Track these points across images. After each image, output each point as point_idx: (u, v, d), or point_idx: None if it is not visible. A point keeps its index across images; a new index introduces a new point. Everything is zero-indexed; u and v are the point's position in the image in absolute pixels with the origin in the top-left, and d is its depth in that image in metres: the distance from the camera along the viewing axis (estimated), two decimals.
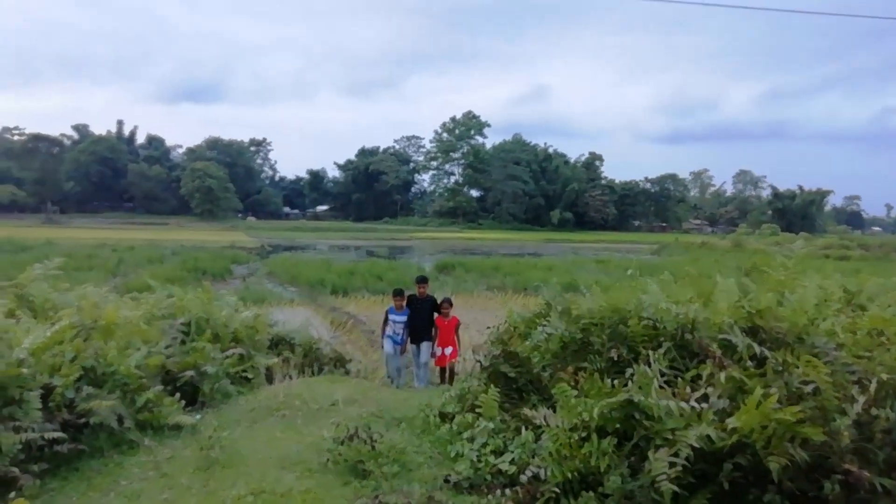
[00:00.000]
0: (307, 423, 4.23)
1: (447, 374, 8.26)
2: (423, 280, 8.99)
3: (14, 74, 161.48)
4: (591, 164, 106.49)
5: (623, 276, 23.80)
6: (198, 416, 4.54)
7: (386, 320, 8.59)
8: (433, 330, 8.41)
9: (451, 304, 8.65)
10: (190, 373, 4.96)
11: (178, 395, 4.62)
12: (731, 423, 2.45)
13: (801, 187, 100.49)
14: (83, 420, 3.94)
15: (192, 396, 4.86)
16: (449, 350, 8.31)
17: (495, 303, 16.88)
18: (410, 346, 8.42)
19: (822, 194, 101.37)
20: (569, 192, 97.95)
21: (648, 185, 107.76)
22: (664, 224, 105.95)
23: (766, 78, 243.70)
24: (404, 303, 8.49)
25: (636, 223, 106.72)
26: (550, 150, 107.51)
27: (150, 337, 5.13)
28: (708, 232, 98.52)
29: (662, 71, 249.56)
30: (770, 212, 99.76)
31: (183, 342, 5.48)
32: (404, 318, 8.37)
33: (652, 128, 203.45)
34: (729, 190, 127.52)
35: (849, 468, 2.30)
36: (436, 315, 8.52)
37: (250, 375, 5.62)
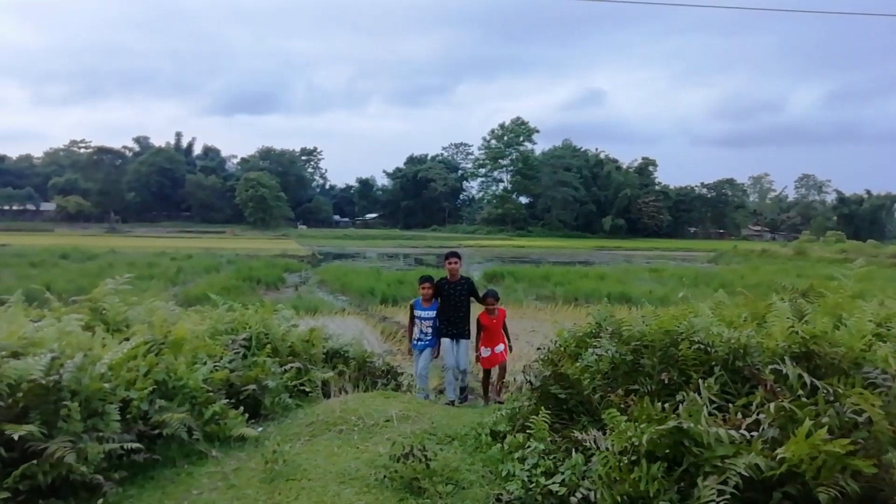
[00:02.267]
0: (363, 438, 4.40)
1: (499, 374, 6.97)
2: (454, 256, 6.98)
3: (84, 91, 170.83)
4: (645, 169, 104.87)
5: (677, 285, 23.38)
6: (260, 429, 4.78)
7: (412, 319, 7.03)
8: (475, 325, 6.88)
9: (497, 299, 7.01)
10: (252, 386, 5.20)
11: (241, 408, 4.86)
12: (781, 452, 2.48)
13: (868, 191, 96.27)
14: (156, 431, 4.21)
15: (254, 409, 5.10)
16: (500, 348, 6.90)
17: (545, 313, 16.87)
18: (445, 342, 6.80)
19: (893, 198, 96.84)
20: (621, 199, 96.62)
21: (705, 191, 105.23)
22: (722, 231, 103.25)
23: (832, 78, 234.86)
24: (433, 292, 6.86)
25: (692, 230, 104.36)
26: (602, 156, 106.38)
27: (215, 351, 5.41)
28: (768, 239, 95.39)
29: (720, 73, 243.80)
30: (835, 217, 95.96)
31: (244, 356, 5.74)
32: (434, 313, 6.84)
33: (709, 131, 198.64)
34: (791, 195, 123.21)
35: None
36: (479, 311, 7.03)
37: (308, 389, 5.84)
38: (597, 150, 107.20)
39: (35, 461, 3.40)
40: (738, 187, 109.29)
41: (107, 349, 4.52)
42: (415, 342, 7.00)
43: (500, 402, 6.15)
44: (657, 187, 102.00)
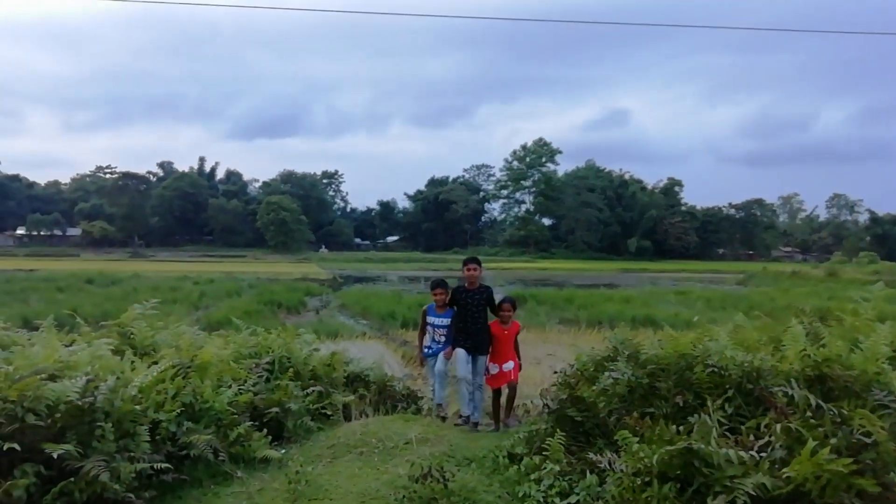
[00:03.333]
0: (383, 460, 4.50)
1: (508, 396, 6.26)
2: (473, 262, 6.37)
3: (110, 117, 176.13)
4: (670, 189, 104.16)
5: (705, 308, 23.05)
6: (283, 451, 4.90)
7: (423, 327, 6.53)
8: (489, 335, 6.25)
9: (514, 307, 6.41)
10: (275, 409, 5.34)
11: (265, 430, 5.00)
12: (787, 472, 2.53)
13: None
14: (184, 452, 4.35)
15: (277, 432, 5.23)
16: (510, 365, 6.22)
17: (568, 337, 16.80)
18: (458, 355, 6.16)
19: None
20: (646, 220, 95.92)
21: (733, 211, 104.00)
22: (751, 252, 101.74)
23: (861, 96, 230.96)
24: (448, 297, 6.31)
25: (720, 251, 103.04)
26: (626, 176, 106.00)
27: (239, 375, 5.57)
28: (799, 260, 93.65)
29: (747, 91, 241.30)
30: (868, 238, 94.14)
31: (268, 380, 5.89)
32: (448, 321, 6.24)
33: (736, 150, 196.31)
34: (822, 215, 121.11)
35: None
36: (492, 319, 6.39)
37: (329, 412, 5.97)
38: (621, 170, 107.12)
39: (72, 479, 3.56)
40: (768, 207, 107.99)
41: (136, 372, 4.71)
42: (426, 349, 6.44)
43: (509, 427, 5.91)
44: (683, 208, 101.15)
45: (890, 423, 2.75)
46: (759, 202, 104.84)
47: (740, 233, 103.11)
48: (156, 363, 5.00)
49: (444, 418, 6.21)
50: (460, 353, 6.15)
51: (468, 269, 6.30)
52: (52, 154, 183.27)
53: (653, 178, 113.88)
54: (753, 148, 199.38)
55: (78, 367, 4.49)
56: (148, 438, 4.13)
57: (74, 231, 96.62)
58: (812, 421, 2.85)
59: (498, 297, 6.51)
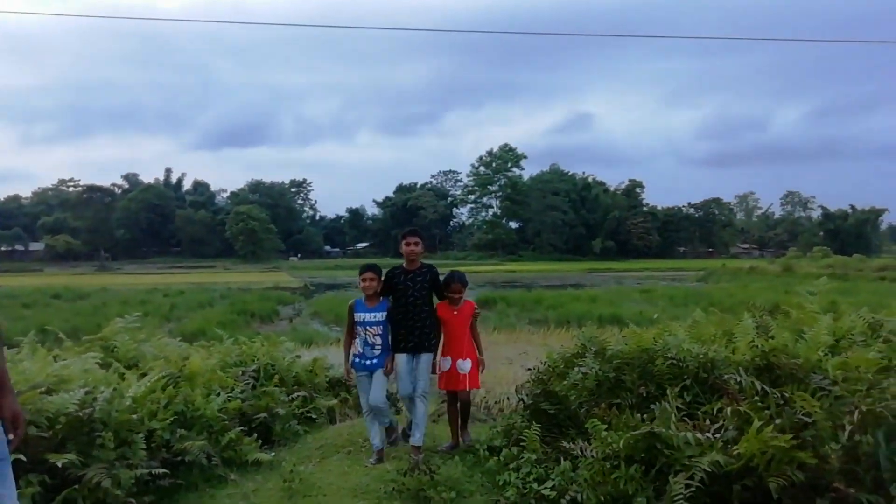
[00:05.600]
0: (371, 458, 4.76)
1: (460, 408, 5.07)
2: (412, 235, 5.02)
3: (71, 129, 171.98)
4: (632, 191, 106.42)
5: (668, 305, 23.65)
6: (273, 454, 5.12)
7: (350, 327, 5.04)
8: (436, 328, 4.97)
9: (463, 284, 5.03)
10: (263, 415, 5.56)
11: (254, 434, 5.22)
12: (736, 449, 2.89)
13: (853, 207, 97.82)
14: (179, 458, 4.54)
15: (265, 436, 5.44)
16: (466, 366, 4.93)
17: (538, 337, 17.18)
18: (400, 360, 4.89)
19: (877, 213, 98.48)
20: (610, 221, 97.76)
21: (692, 211, 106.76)
22: (710, 249, 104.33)
23: (814, 96, 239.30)
24: (380, 285, 4.92)
25: (681, 249, 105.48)
26: (589, 179, 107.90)
27: (227, 383, 5.76)
28: (756, 256, 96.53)
29: (706, 94, 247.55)
30: (821, 233, 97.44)
31: (254, 387, 6.09)
32: (383, 315, 4.89)
33: (695, 152, 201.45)
34: (777, 212, 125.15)
35: (837, 486, 2.70)
36: (438, 302, 5.05)
37: (314, 416, 6.19)
38: (584, 173, 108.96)
39: (76, 486, 3.74)
40: (725, 206, 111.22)
41: (127, 384, 4.88)
42: (355, 359, 4.96)
43: (470, 445, 5.00)
44: (645, 208, 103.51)
45: (827, 405, 3.13)
46: (717, 201, 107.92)
47: (700, 231, 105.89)
48: (145, 374, 5.18)
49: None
50: (400, 359, 4.90)
51: (406, 244, 4.94)
52: (12, 167, 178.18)
53: (616, 180, 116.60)
54: (711, 149, 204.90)
55: (71, 380, 4.64)
56: (144, 446, 4.31)
57: (37, 245, 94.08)
58: (759, 404, 3.22)
59: (468, 299, 5.16)
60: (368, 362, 4.92)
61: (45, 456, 3.77)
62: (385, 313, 4.92)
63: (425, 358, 4.91)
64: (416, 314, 4.88)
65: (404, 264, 5.05)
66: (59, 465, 3.68)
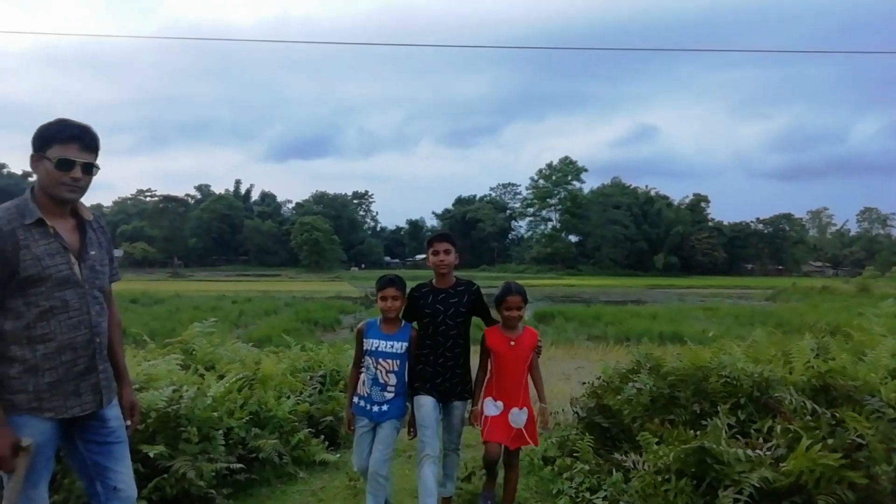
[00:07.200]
0: None
1: (509, 477, 3.93)
2: (443, 239, 3.88)
3: (149, 141, 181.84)
4: (697, 205, 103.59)
5: (733, 324, 23.01)
6: (338, 455, 5.43)
7: (358, 360, 3.85)
8: (472, 366, 3.89)
9: (523, 298, 3.82)
10: (329, 418, 5.90)
11: (321, 436, 5.55)
12: (785, 466, 2.97)
13: None
14: (253, 455, 4.90)
15: (331, 438, 5.76)
16: (522, 417, 3.76)
17: (597, 353, 17.03)
18: (425, 403, 3.71)
19: None
20: (673, 236, 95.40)
21: (761, 226, 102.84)
22: (780, 267, 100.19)
23: (893, 108, 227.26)
24: (403, 304, 3.77)
25: (749, 266, 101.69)
26: (652, 193, 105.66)
27: (296, 387, 6.13)
28: (830, 275, 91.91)
29: (778, 104, 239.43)
30: None
31: (321, 391, 6.44)
32: (402, 349, 3.71)
33: (766, 164, 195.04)
34: (853, 229, 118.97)
35: None
36: (487, 328, 3.91)
37: None
38: (647, 187, 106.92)
39: (164, 476, 4.13)
40: (797, 222, 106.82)
41: (206, 384, 5.29)
42: (358, 403, 3.81)
43: None
44: (710, 223, 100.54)
45: (880, 426, 3.16)
46: (787, 217, 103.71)
47: (769, 248, 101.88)
48: (222, 376, 5.60)
49: None
50: (426, 405, 3.70)
51: (434, 253, 3.81)
52: (94, 179, 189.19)
53: (680, 194, 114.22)
54: (782, 162, 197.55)
55: (159, 379, 5.08)
56: (223, 442, 4.68)
57: (117, 252, 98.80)
58: (810, 424, 3.28)
59: (524, 315, 3.95)
60: (376, 408, 3.68)
61: (138, 446, 4.17)
62: (406, 344, 3.71)
63: (459, 407, 3.81)
64: (448, 348, 3.72)
65: (433, 280, 3.89)
66: (151, 455, 4.07)
